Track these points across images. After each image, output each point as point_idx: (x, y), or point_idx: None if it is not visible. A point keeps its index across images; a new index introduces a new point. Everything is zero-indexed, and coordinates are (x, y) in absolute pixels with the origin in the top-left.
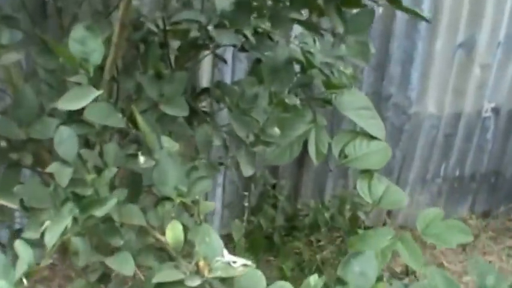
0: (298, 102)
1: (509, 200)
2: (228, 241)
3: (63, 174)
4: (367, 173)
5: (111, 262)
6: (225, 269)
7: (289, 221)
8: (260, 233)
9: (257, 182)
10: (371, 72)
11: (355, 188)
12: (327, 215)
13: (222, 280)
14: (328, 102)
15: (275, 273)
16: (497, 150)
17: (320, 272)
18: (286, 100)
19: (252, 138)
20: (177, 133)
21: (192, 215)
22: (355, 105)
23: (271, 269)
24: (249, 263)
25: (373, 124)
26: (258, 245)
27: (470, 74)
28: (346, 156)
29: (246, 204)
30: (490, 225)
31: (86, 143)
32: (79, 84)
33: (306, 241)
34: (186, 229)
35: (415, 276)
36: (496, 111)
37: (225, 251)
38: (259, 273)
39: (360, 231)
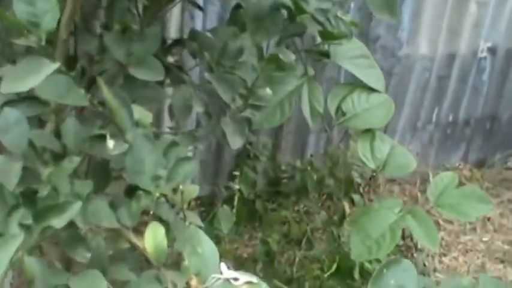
0: (294, 58)
1: (505, 146)
2: (202, 206)
3: (10, 173)
4: (369, 132)
5: (76, 284)
6: None
7: (272, 186)
8: (240, 201)
9: None
10: (357, 12)
11: (341, 142)
12: (316, 177)
13: None
14: (325, 54)
15: (260, 248)
16: (493, 93)
17: (310, 244)
18: (281, 55)
19: (238, 101)
20: (146, 96)
21: (173, 206)
22: (350, 53)
23: (254, 243)
24: (254, 279)
25: (372, 74)
26: (239, 215)
27: (465, 12)
28: (344, 114)
29: (237, 186)
30: (485, 176)
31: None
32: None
33: (292, 208)
34: (168, 227)
35: (411, 240)
36: (492, 51)
37: (223, 265)
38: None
39: (356, 196)
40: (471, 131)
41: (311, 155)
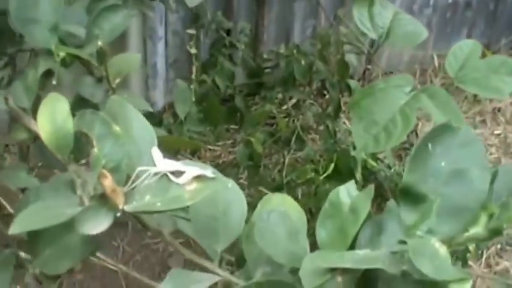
0: None
1: (511, 30)
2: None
3: None
4: None
5: None
6: (161, 192)
7: (253, 77)
8: (216, 97)
9: (208, 27)
10: None
11: (331, 26)
12: (304, 62)
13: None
14: None
15: (241, 150)
16: None
17: (301, 144)
18: None
19: None
20: None
21: (100, 80)
22: None
23: (234, 146)
24: (208, 172)
25: None
26: (215, 113)
27: None
28: None
29: (193, 51)
30: None
31: None
32: None
33: (277, 102)
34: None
35: (416, 135)
36: None
37: (156, 151)
38: (230, 187)
39: (352, 82)
40: (473, 13)
41: (296, 46)
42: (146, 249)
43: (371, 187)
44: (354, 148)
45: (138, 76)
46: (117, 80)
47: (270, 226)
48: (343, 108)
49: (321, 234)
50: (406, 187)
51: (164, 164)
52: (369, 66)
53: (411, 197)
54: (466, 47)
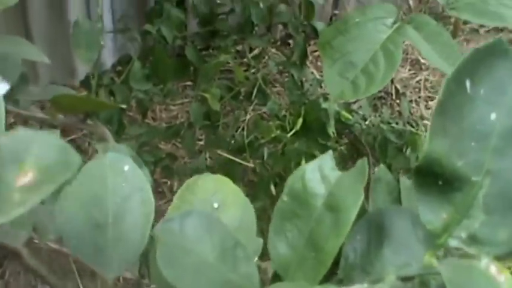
0: None
1: None
2: (119, 65)
3: None
4: None
5: None
6: None
7: (205, 25)
8: (164, 50)
9: None
10: None
11: None
12: (262, 5)
13: None
14: None
15: (195, 109)
16: None
17: (264, 97)
18: None
19: None
20: None
21: None
22: None
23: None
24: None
25: None
26: (163, 68)
27: None
28: None
29: None
30: None
31: None
32: None
33: (235, 52)
34: None
35: (391, 81)
36: None
37: None
38: (127, 170)
39: (319, 24)
40: None
41: None
42: None
43: (364, 161)
44: (325, 99)
45: None
46: None
47: (184, 242)
48: (310, 57)
49: (277, 249)
50: (429, 163)
51: None
52: (336, 12)
53: (436, 178)
54: None
